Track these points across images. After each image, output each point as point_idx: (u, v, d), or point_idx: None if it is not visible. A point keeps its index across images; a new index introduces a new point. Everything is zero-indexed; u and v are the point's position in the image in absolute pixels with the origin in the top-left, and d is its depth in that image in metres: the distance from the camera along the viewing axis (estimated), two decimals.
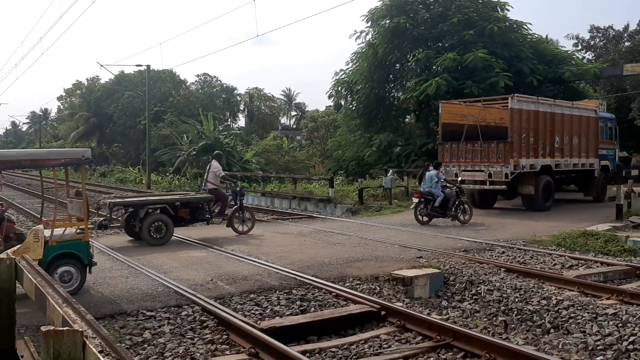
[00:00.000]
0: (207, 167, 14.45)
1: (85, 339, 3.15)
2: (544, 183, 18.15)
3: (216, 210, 13.76)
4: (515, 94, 18.39)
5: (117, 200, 13.28)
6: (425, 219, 15.61)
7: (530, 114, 18.07)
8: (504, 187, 17.48)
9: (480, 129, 18.41)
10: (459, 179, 17.13)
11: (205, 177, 14.44)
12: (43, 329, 3.12)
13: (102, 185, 41.77)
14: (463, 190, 16.10)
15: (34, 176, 60.72)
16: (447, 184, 15.86)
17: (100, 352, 3.10)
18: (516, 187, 18.14)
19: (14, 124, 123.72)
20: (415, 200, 16.11)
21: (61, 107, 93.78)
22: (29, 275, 5.01)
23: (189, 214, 13.13)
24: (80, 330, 3.15)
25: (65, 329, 3.13)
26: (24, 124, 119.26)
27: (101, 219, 13.05)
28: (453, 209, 15.45)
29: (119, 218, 13.30)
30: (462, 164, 18.20)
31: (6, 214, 10.74)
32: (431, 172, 16.01)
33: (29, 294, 5.03)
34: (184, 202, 13.13)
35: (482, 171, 17.62)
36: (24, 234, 10.59)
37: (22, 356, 5.58)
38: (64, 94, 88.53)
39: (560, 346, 6.76)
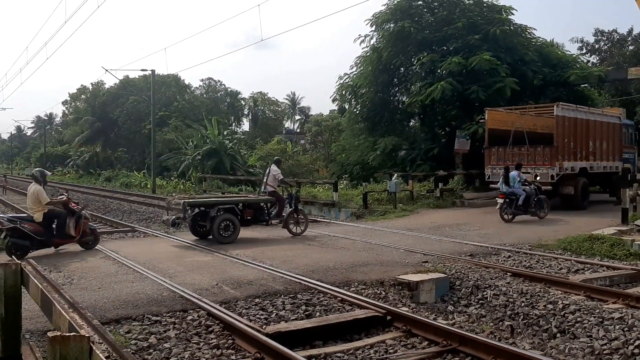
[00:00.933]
0: (267, 171, 15.14)
1: (91, 345, 3.15)
2: (582, 184, 19.77)
3: (273, 212, 14.41)
4: (560, 103, 20.31)
5: (191, 200, 13.99)
6: (509, 217, 16.80)
7: (570, 121, 19.75)
8: (549, 187, 18.56)
9: (520, 134, 19.93)
10: (538, 178, 18.60)
11: (264, 181, 15.05)
12: (50, 334, 3.12)
13: (106, 189, 41.85)
14: (541, 187, 17.46)
15: None
16: (527, 183, 17.23)
17: (106, 357, 3.11)
18: (557, 188, 19.35)
19: (18, 128, 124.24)
20: (500, 200, 17.09)
21: (66, 111, 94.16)
22: (35, 280, 5.03)
23: (252, 215, 13.96)
24: (87, 335, 3.15)
25: (71, 334, 3.13)
26: (28, 128, 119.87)
27: (174, 217, 13.68)
28: (533, 206, 16.97)
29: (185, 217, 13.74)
30: (509, 167, 19.18)
31: (83, 212, 12.19)
32: (513, 173, 17.31)
33: (35, 299, 5.05)
34: (249, 204, 14.11)
35: (529, 173, 18.85)
36: (97, 230, 12.91)
37: None
38: (68, 98, 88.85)
39: (566, 351, 6.73)
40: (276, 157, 17.41)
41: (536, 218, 16.86)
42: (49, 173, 13.61)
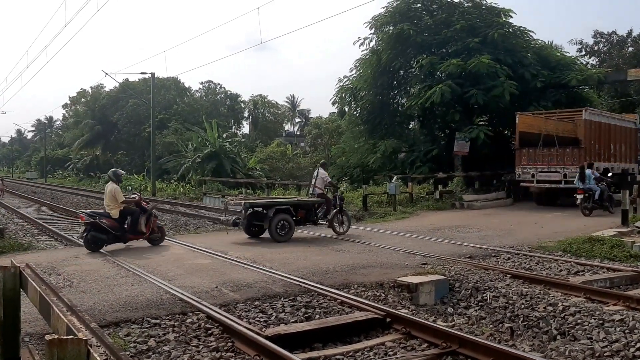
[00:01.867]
0: (315, 174, 15.94)
1: (89, 348, 3.14)
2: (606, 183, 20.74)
3: (320, 213, 15.07)
4: (588, 108, 22.60)
5: (252, 201, 14.80)
6: (588, 212, 18.15)
7: (595, 124, 21.56)
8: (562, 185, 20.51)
9: (548, 137, 21.47)
10: (610, 174, 20.21)
11: (313, 183, 15.89)
12: (47, 337, 3.11)
13: None
14: (611, 184, 19.18)
15: (39, 184, 60.97)
16: (599, 179, 18.80)
17: None
18: None
19: (19, 132, 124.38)
20: (580, 196, 18.40)
21: (66, 115, 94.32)
22: (34, 283, 5.02)
23: (304, 215, 14.65)
24: (85, 339, 3.14)
25: (69, 337, 3.12)
26: (29, 131, 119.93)
27: (234, 217, 14.40)
28: (606, 201, 18.53)
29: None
30: (539, 166, 21.33)
31: (153, 210, 13.31)
32: (587, 171, 18.67)
33: (34, 303, 5.04)
34: (302, 205, 14.82)
35: (558, 172, 20.68)
36: (164, 228, 13.99)
37: None
38: (68, 102, 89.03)
39: (567, 353, 6.72)
40: (322, 161, 18.22)
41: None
42: (123, 172, 14.72)
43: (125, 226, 12.63)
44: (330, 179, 16.09)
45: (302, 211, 14.64)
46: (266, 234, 14.18)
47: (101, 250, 12.28)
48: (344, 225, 15.06)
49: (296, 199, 15.63)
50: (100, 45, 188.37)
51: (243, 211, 13.99)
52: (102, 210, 12.92)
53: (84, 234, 12.45)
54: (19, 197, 37.70)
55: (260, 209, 14.16)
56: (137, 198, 13.08)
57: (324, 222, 15.18)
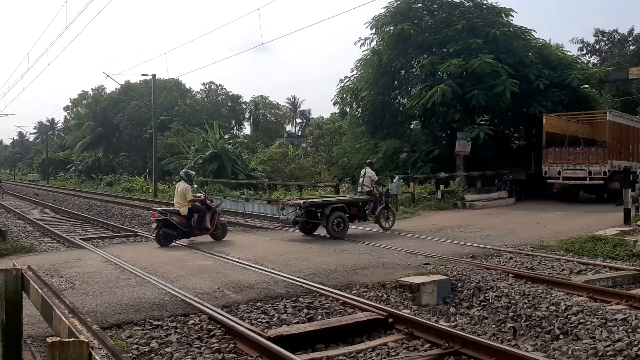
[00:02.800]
0: (362, 173, 17.17)
1: (91, 350, 3.13)
2: None
3: (368, 210, 15.81)
4: (611, 110, 24.54)
5: (310, 200, 15.39)
6: None
7: (617, 125, 23.10)
8: (601, 182, 21.62)
9: (573, 137, 23.01)
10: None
11: (361, 182, 17.01)
12: (49, 340, 3.11)
13: (108, 194, 41.92)
14: None
15: (41, 186, 61.05)
16: None
17: None
18: (606, 183, 21.89)
19: (21, 134, 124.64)
20: None
21: (68, 117, 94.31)
22: (35, 286, 5.01)
23: (355, 212, 15.36)
24: (86, 341, 3.14)
25: (71, 340, 3.12)
26: (30, 134, 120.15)
27: (294, 216, 15.07)
28: None
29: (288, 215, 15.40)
30: (565, 164, 22.75)
31: (217, 208, 14.42)
32: None
33: (36, 305, 5.04)
34: (354, 202, 15.53)
35: (583, 170, 22.08)
36: (226, 224, 15.14)
37: None
38: (70, 104, 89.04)
39: (569, 352, 6.70)
40: (369, 161, 19.05)
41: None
42: (194, 173, 15.81)
43: (192, 223, 13.56)
44: (377, 178, 17.19)
45: (354, 208, 15.33)
46: (319, 231, 14.95)
47: (97, 252, 12.30)
48: (389, 221, 15.92)
49: (349, 197, 16.33)
50: (101, 47, 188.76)
51: (299, 210, 14.79)
52: (171, 208, 14.01)
53: (156, 230, 13.47)
54: (21, 200, 37.74)
55: (317, 208, 14.80)
56: (202, 197, 14.09)
57: (372, 219, 15.95)
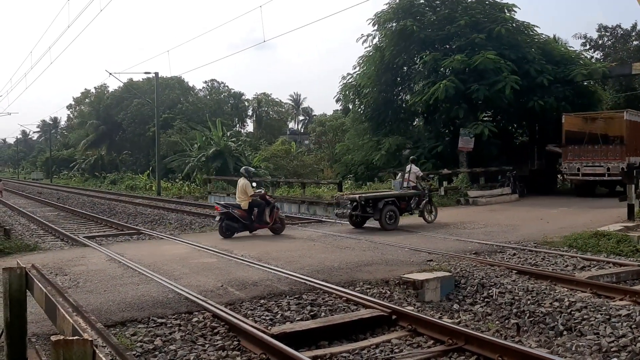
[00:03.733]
0: (408, 169, 17.99)
1: (95, 349, 3.14)
2: None
3: (413, 204, 16.51)
4: (628, 109, 24.67)
5: (365, 194, 16.44)
6: None
7: (633, 124, 23.95)
8: (619, 177, 21.83)
9: (592, 135, 24.16)
10: None
11: (406, 177, 17.84)
12: (53, 338, 3.12)
13: (112, 192, 41.99)
14: None
15: (45, 185, 61.18)
16: None
17: None
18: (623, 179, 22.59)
19: (24, 133, 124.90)
20: None
21: (71, 115, 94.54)
22: (39, 284, 5.03)
23: (405, 206, 16.14)
24: (90, 339, 3.14)
25: (75, 338, 3.12)
26: (34, 132, 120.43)
27: (349, 210, 15.74)
28: None
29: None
30: (584, 161, 23.61)
31: (276, 203, 15.22)
32: None
33: (40, 303, 5.05)
34: (404, 197, 16.37)
35: (602, 166, 23.03)
36: (284, 219, 15.81)
37: None
38: (73, 102, 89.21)
39: (573, 348, 6.70)
40: (412, 157, 19.96)
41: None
42: (253, 170, 16.78)
43: (253, 217, 14.44)
44: (422, 173, 18.07)
45: (404, 202, 16.16)
46: (369, 224, 15.87)
47: (101, 250, 12.32)
48: (432, 214, 16.64)
49: (399, 192, 16.95)
50: (104, 45, 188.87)
51: (354, 204, 15.59)
52: (233, 202, 14.86)
53: (220, 223, 14.35)
54: (25, 198, 37.83)
55: (370, 202, 15.61)
56: (262, 192, 14.99)
57: (417, 212, 16.69)
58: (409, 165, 18.16)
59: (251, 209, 14.44)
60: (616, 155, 22.91)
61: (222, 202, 14.88)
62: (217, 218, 14.65)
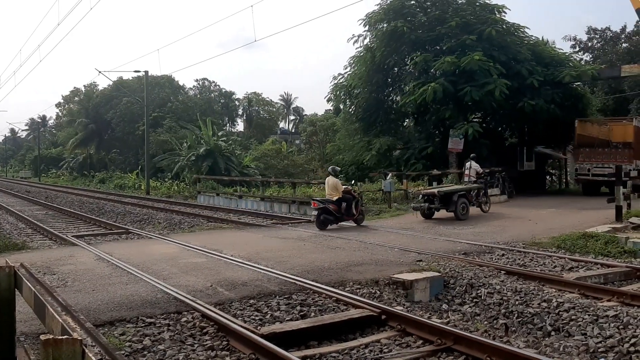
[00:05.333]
0: (468, 165, 20.47)
1: (84, 348, 3.13)
2: None
3: (474, 196, 18.26)
4: (637, 116, 26.76)
5: (444, 189, 17.98)
6: None
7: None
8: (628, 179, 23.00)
9: (602, 140, 25.53)
10: None
11: (467, 173, 20.26)
12: (42, 337, 3.10)
13: (100, 191, 41.76)
14: None
15: (33, 183, 60.75)
16: None
17: None
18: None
19: (12, 131, 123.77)
20: None
21: (60, 114, 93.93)
22: (28, 283, 4.99)
23: (472, 199, 17.89)
24: (79, 338, 3.13)
25: (64, 337, 3.11)
26: (22, 130, 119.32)
27: (427, 204, 17.13)
28: None
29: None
30: (594, 163, 25.25)
31: (359, 197, 16.87)
32: None
33: (28, 303, 5.02)
34: (472, 190, 18.21)
35: (611, 168, 23.50)
36: (364, 210, 17.60)
37: None
38: (62, 100, 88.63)
39: (561, 349, 6.75)
40: (473, 155, 21.39)
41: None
42: (339, 169, 18.68)
43: (342, 210, 15.87)
44: (481, 170, 20.28)
45: (471, 195, 17.87)
46: (438, 215, 17.29)
47: (89, 249, 12.26)
48: (488, 205, 18.81)
49: (468, 186, 18.71)
50: (94, 43, 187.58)
51: (426, 197, 17.18)
52: (325, 198, 16.21)
53: (317, 217, 15.95)
54: (13, 197, 37.56)
55: (446, 196, 17.15)
56: (348, 188, 16.41)
57: (476, 203, 18.27)
58: (469, 162, 20.46)
59: (339, 203, 15.87)
60: (624, 158, 24.34)
61: (318, 199, 16.58)
62: (314, 212, 16.51)
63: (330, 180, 16.36)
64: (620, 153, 24.94)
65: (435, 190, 17.45)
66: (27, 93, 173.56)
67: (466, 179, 19.92)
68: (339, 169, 18.73)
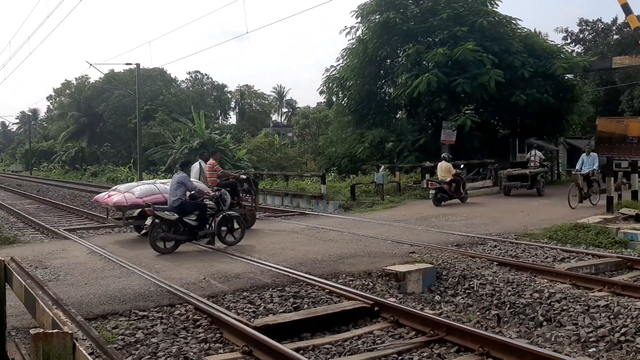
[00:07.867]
0: (533, 153, 23.14)
1: (75, 342, 3.11)
2: None
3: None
4: None
5: (534, 171, 21.38)
6: None
7: None
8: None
9: (620, 136, 29.28)
10: None
11: (532, 159, 22.69)
12: (32, 332, 3.08)
13: (93, 185, 41.54)
14: None
15: (24, 177, 60.41)
16: None
17: (90, 354, 3.07)
18: None
19: (3, 124, 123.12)
20: None
21: (51, 107, 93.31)
22: (19, 277, 4.96)
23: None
24: (70, 332, 3.11)
25: (54, 331, 3.10)
26: (13, 124, 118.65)
27: (507, 181, 21.47)
28: None
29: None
30: (614, 155, 27.02)
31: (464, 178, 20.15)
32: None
33: (19, 297, 4.99)
34: (541, 174, 21.81)
35: (626, 160, 26.00)
36: (467, 190, 20.36)
37: (12, 359, 5.54)
38: (53, 93, 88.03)
39: (553, 339, 6.79)
40: (536, 144, 25.72)
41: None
42: (450, 156, 21.46)
43: (451, 189, 18.83)
44: (543, 157, 23.30)
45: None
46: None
47: (81, 243, 12.21)
48: (544, 188, 21.66)
49: (537, 170, 21.73)
50: (85, 36, 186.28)
51: (505, 179, 21.25)
52: (440, 179, 18.99)
53: (435, 195, 18.86)
54: (4, 190, 37.33)
55: (532, 176, 21.04)
56: (459, 172, 19.58)
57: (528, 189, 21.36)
58: (534, 150, 23.53)
59: (451, 184, 18.83)
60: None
61: (435, 179, 19.26)
62: (432, 192, 19.29)
63: (443, 164, 19.29)
64: (636, 148, 28.26)
65: (527, 171, 21.26)
66: (17, 86, 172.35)
67: (532, 164, 22.41)
68: (451, 156, 21.36)
